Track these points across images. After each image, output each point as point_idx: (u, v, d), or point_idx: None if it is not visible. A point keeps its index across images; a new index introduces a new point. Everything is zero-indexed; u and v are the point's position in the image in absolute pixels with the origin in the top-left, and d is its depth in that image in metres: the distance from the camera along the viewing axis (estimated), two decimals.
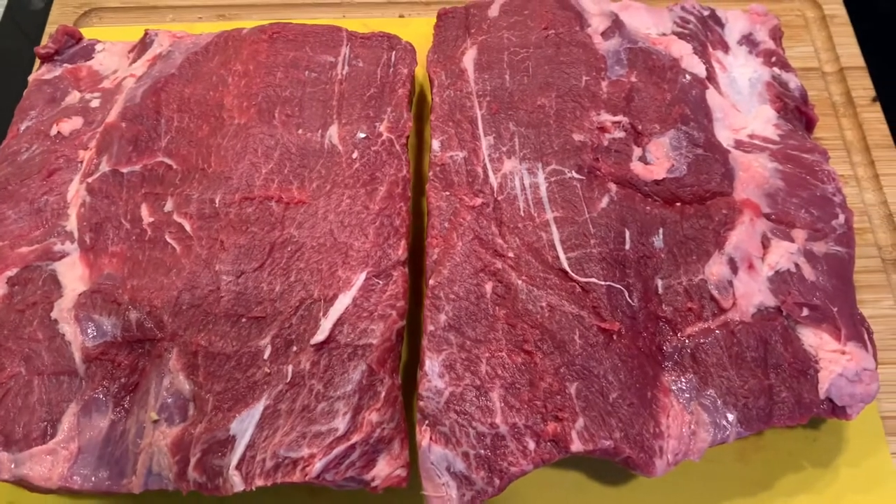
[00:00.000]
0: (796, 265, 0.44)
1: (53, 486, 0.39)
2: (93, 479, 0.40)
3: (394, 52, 0.54)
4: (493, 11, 0.56)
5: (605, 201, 0.46)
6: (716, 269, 0.44)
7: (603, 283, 0.43)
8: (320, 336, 0.42)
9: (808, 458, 0.45)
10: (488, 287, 0.44)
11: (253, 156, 0.48)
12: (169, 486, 0.40)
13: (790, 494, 0.44)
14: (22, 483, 0.40)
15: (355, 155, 0.49)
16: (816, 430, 0.46)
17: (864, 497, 0.44)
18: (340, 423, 0.40)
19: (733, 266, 0.44)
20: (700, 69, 0.53)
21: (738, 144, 0.50)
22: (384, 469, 0.40)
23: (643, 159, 0.48)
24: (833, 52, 0.61)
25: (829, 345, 0.42)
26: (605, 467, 0.45)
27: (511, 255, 0.44)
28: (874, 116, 0.58)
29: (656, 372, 0.42)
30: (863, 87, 0.59)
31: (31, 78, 0.55)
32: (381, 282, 0.44)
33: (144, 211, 0.47)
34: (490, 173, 0.48)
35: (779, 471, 0.45)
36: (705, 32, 0.56)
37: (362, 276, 0.44)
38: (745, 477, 0.45)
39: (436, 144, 0.49)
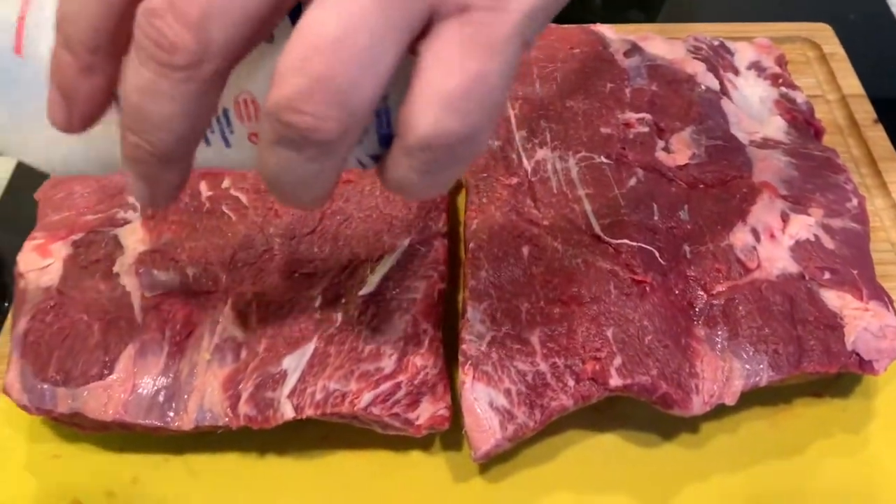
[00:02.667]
0: (815, 236, 0.47)
1: (108, 419, 0.41)
2: (146, 413, 0.41)
3: None
4: None
5: (632, 181, 0.50)
6: (739, 236, 0.47)
7: (634, 244, 0.46)
8: (368, 288, 0.45)
9: (838, 425, 0.46)
10: (525, 249, 0.46)
11: None
12: (219, 422, 0.41)
13: (821, 458, 0.45)
14: (77, 417, 0.41)
15: None
16: (845, 399, 0.47)
17: (893, 462, 0.45)
18: (387, 364, 0.42)
19: (756, 235, 0.47)
20: (714, 83, 0.58)
21: (753, 143, 0.54)
22: (428, 409, 0.41)
23: (666, 149, 0.52)
24: (835, 84, 0.66)
25: (852, 304, 0.44)
26: (640, 431, 0.46)
27: (546, 223, 0.47)
28: (878, 135, 0.62)
29: (688, 324, 0.44)
30: (864, 110, 0.63)
31: None
32: (423, 248, 0.47)
33: (203, 187, 0.50)
34: (524, 159, 0.51)
35: (810, 437, 0.46)
36: (716, 58, 0.61)
37: (406, 241, 0.47)
38: (777, 442, 0.45)
39: None
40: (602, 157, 0.51)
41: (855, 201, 0.50)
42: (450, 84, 0.24)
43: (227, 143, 0.29)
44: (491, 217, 0.48)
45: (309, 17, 0.23)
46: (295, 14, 0.25)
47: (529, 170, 0.51)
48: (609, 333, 0.42)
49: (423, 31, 0.25)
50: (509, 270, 0.45)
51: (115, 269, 0.46)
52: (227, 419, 0.41)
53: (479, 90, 0.24)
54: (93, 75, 0.26)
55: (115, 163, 0.29)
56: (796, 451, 0.45)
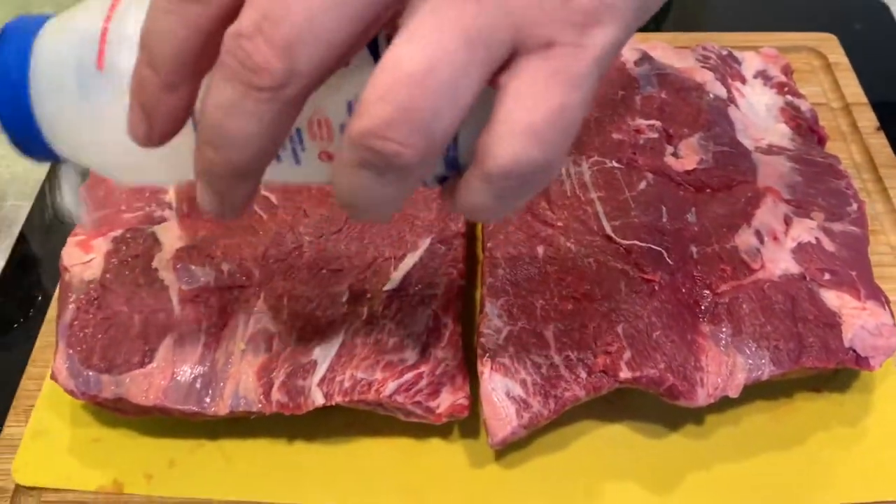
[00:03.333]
0: (816, 239, 0.50)
1: (149, 404, 0.44)
2: (185, 399, 0.44)
3: None
4: None
5: (642, 185, 0.52)
6: (744, 238, 0.49)
7: (644, 244, 0.48)
8: (392, 284, 0.47)
9: (836, 419, 0.48)
10: (540, 249, 0.49)
11: None
12: (253, 408, 0.44)
13: (820, 450, 0.47)
14: (121, 402, 0.44)
15: None
16: (843, 394, 0.50)
17: (890, 453, 0.47)
18: (410, 355, 0.44)
19: (760, 237, 0.49)
20: (721, 91, 0.60)
21: (758, 149, 0.56)
22: (448, 398, 0.44)
23: (674, 154, 0.54)
24: (839, 92, 0.68)
25: (850, 303, 0.47)
26: (648, 422, 0.48)
27: (560, 224, 0.50)
28: (879, 142, 0.64)
29: (694, 321, 0.46)
30: (867, 118, 0.66)
31: None
32: (443, 247, 0.50)
33: None
34: None
35: (809, 430, 0.48)
36: (724, 67, 0.64)
37: (427, 241, 0.50)
38: (778, 434, 0.48)
39: None
40: (613, 162, 0.53)
41: (855, 206, 0.52)
42: (534, 116, 0.25)
43: (298, 161, 0.31)
44: (507, 219, 0.51)
45: (396, 51, 0.25)
46: (371, 43, 0.28)
47: None
48: (619, 329, 0.44)
49: (504, 65, 0.26)
50: (525, 269, 0.48)
51: (154, 264, 0.48)
52: (260, 405, 0.44)
53: (561, 122, 0.26)
54: (174, 93, 0.27)
55: (187, 174, 0.30)
56: (796, 443, 0.48)
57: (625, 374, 0.43)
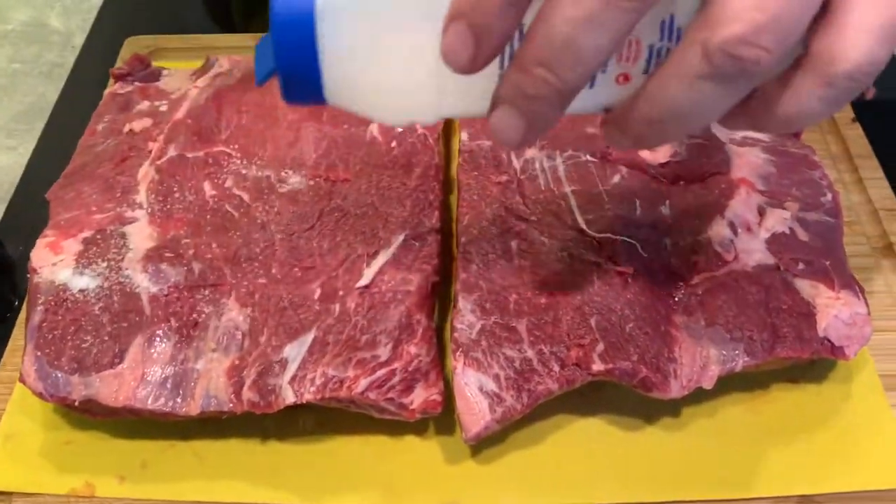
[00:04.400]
0: (790, 229, 0.50)
1: (119, 405, 0.43)
2: (155, 399, 0.43)
3: None
4: None
5: (616, 178, 0.52)
6: (717, 229, 0.49)
7: (617, 237, 0.48)
8: (364, 280, 0.47)
9: (813, 409, 0.48)
10: (514, 244, 0.49)
11: (304, 144, 0.55)
12: (224, 407, 0.43)
13: (799, 439, 0.47)
14: (90, 404, 0.44)
15: (394, 144, 0.55)
16: (820, 384, 0.49)
17: (868, 442, 0.47)
18: (382, 352, 0.44)
19: (733, 228, 0.49)
20: None
21: (732, 141, 0.56)
22: (421, 394, 0.43)
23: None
24: None
25: (824, 293, 0.47)
26: (623, 415, 0.48)
27: (534, 218, 0.50)
28: (855, 133, 0.64)
29: (668, 313, 0.46)
30: (843, 110, 0.66)
31: (106, 92, 0.62)
32: (417, 243, 0.49)
33: (207, 186, 0.52)
34: (513, 158, 0.54)
35: (787, 419, 0.48)
36: None
37: (401, 237, 0.49)
38: (755, 425, 0.48)
39: (464, 135, 0.55)
40: (587, 156, 0.53)
41: (829, 196, 0.52)
42: (884, 18, 0.26)
43: (593, 84, 0.30)
44: (481, 213, 0.50)
45: None
46: None
47: (518, 168, 0.53)
48: (592, 322, 0.44)
49: None
50: (499, 263, 0.48)
51: (124, 264, 0.48)
52: (231, 405, 0.43)
53: None
54: (513, 12, 0.27)
55: (469, 107, 0.30)
56: (773, 434, 0.47)
57: (598, 366, 0.43)
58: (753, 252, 0.48)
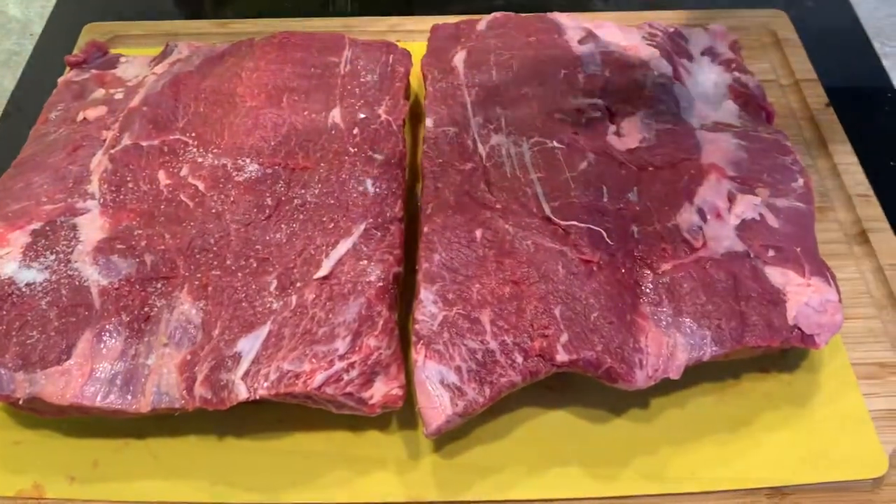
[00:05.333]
0: (760, 215, 0.48)
1: (66, 403, 0.41)
2: (104, 396, 0.42)
3: (391, 55, 0.60)
4: (481, 26, 0.62)
5: (583, 165, 0.51)
6: (686, 216, 0.48)
7: (583, 225, 0.47)
8: (323, 271, 0.45)
9: (784, 399, 0.47)
10: (478, 233, 0.47)
11: (262, 131, 0.53)
12: (175, 404, 0.42)
13: (769, 430, 0.46)
14: (35, 402, 0.42)
15: (356, 131, 0.53)
16: (791, 374, 0.48)
17: (838, 433, 0.46)
18: (340, 345, 0.43)
19: (702, 215, 0.48)
20: (667, 69, 0.59)
21: (704, 127, 0.55)
22: (381, 389, 0.42)
23: (617, 133, 0.53)
24: (788, 69, 0.67)
25: (795, 280, 0.46)
26: (591, 407, 0.47)
27: (499, 206, 0.48)
28: (829, 119, 0.63)
29: (634, 301, 0.45)
30: (816, 95, 0.65)
31: (60, 80, 0.60)
32: (379, 233, 0.48)
33: (161, 175, 0.51)
34: (479, 144, 0.52)
35: (756, 410, 0.47)
36: (671, 45, 0.62)
37: (362, 226, 0.48)
38: (725, 416, 0.47)
39: (429, 122, 0.54)
40: (554, 142, 0.52)
41: (801, 181, 0.51)
42: None
43: None
44: (446, 201, 0.49)
45: None
46: None
47: (484, 155, 0.52)
48: (556, 311, 0.43)
49: None
50: (462, 253, 0.46)
51: (74, 256, 0.46)
52: (182, 401, 0.42)
53: None
54: None
55: None
56: (743, 424, 0.46)
57: (561, 357, 0.41)
58: (723, 239, 0.47)
